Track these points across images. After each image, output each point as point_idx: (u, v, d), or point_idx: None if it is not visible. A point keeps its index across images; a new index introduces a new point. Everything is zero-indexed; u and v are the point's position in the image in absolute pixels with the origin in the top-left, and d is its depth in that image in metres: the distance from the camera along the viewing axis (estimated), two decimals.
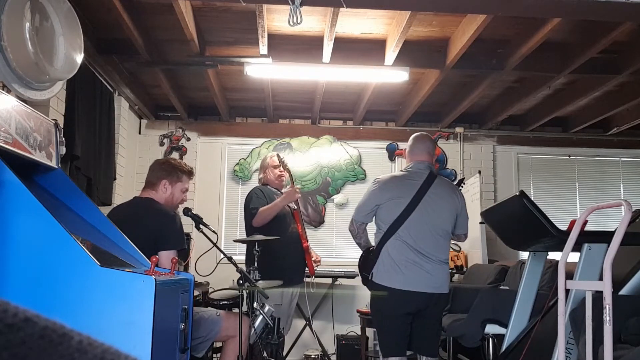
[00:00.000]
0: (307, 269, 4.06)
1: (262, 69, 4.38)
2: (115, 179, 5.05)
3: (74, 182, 4.16)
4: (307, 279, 4.27)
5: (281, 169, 4.05)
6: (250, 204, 3.89)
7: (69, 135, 3.97)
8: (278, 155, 4.12)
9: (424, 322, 3.06)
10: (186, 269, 4.59)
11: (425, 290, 2.98)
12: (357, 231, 3.19)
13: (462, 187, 4.19)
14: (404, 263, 2.98)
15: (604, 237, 2.59)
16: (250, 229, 3.86)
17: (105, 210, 3.21)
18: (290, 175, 4.07)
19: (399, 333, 3.03)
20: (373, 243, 3.20)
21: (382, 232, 3.06)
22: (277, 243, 3.48)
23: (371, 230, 3.23)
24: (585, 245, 2.69)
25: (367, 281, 3.13)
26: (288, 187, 4.01)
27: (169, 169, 3.08)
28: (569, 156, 6.42)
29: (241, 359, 2.85)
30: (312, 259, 4.04)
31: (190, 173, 3.16)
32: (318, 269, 4.19)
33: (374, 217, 3.14)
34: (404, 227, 3.00)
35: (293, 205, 4.04)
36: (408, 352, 3.11)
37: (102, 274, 1.95)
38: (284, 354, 4.58)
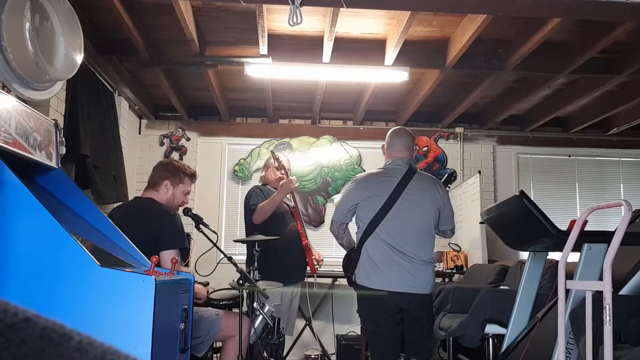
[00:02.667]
0: (308, 267, 4.06)
1: (262, 69, 4.38)
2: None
3: (97, 181, 4.24)
4: (309, 279, 4.26)
5: (282, 171, 4.05)
6: (249, 201, 3.89)
7: (74, 136, 3.98)
8: (272, 152, 4.11)
9: (412, 324, 2.97)
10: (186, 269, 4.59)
11: (405, 291, 2.89)
12: (337, 232, 3.12)
13: (453, 180, 4.13)
14: (384, 262, 2.90)
15: (604, 237, 2.59)
16: (250, 228, 3.86)
17: (106, 210, 3.21)
18: (285, 170, 4.06)
19: (388, 335, 2.93)
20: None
21: (361, 232, 2.99)
22: (276, 241, 3.48)
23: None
24: (585, 245, 2.69)
25: (351, 282, 3.07)
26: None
27: (172, 170, 3.08)
28: (569, 156, 6.42)
29: (241, 359, 2.85)
30: (314, 258, 4.04)
31: (193, 176, 3.17)
32: (318, 269, 4.18)
33: (353, 217, 3.08)
34: (382, 225, 2.91)
35: (292, 204, 4.04)
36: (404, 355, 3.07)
37: (102, 274, 1.95)
38: (284, 354, 4.58)
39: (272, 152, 4.13)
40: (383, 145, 3.21)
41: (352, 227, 3.17)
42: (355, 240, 3.16)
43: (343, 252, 3.25)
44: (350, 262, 3.07)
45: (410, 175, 3.00)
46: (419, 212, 2.97)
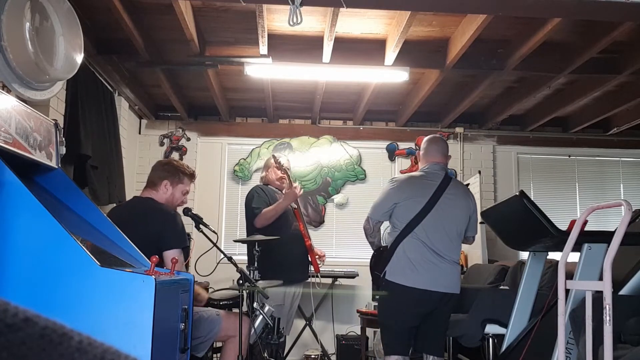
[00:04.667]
0: (311, 267, 4.07)
1: (262, 69, 4.38)
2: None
3: (94, 182, 4.23)
4: (312, 279, 4.27)
5: (286, 175, 4.05)
6: (252, 202, 3.89)
7: (74, 135, 3.98)
8: (274, 157, 4.11)
9: (433, 321, 3.09)
10: (186, 268, 4.59)
11: (439, 290, 3.01)
12: (372, 230, 3.21)
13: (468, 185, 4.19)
14: (420, 262, 3.01)
15: (604, 237, 2.59)
16: (251, 228, 3.86)
17: (105, 210, 3.21)
18: (289, 176, 4.07)
19: (406, 332, 3.06)
20: (383, 242, 3.23)
21: (397, 231, 3.08)
22: (279, 242, 3.48)
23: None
24: (585, 245, 2.70)
25: (378, 280, 3.14)
26: (286, 188, 4.01)
27: (171, 170, 3.09)
28: (569, 156, 6.42)
29: (241, 359, 2.85)
30: (317, 256, 4.05)
31: (192, 175, 3.17)
32: (320, 268, 4.18)
33: (390, 216, 3.17)
34: (421, 226, 3.03)
35: (293, 205, 4.04)
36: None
37: (102, 274, 1.95)
38: (284, 354, 4.58)
39: (274, 156, 4.13)
40: (418, 152, 3.45)
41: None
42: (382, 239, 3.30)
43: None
44: (380, 260, 3.15)
45: (447, 181, 3.16)
46: (454, 217, 3.12)
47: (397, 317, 3.07)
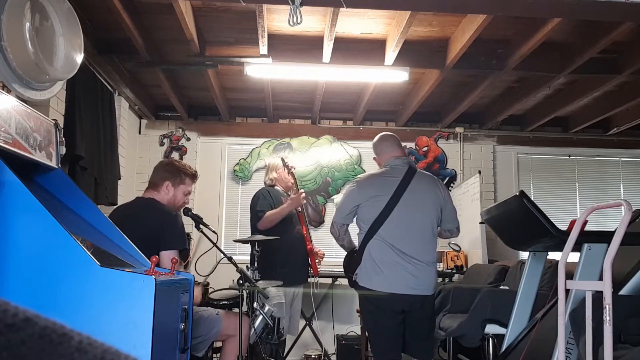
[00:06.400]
0: (310, 270, 4.09)
1: (262, 69, 4.39)
2: (119, 178, 5.05)
3: (81, 182, 4.21)
4: (311, 280, 4.28)
5: (292, 179, 4.06)
6: (257, 205, 3.90)
7: (70, 136, 3.97)
8: (282, 160, 4.11)
9: (413, 325, 2.97)
10: (186, 269, 4.60)
11: (406, 292, 2.88)
12: (338, 233, 3.10)
13: (453, 182, 4.14)
14: (386, 264, 2.88)
15: (604, 237, 2.58)
16: (255, 231, 3.87)
17: (107, 210, 3.21)
18: (295, 180, 4.08)
19: (389, 336, 2.94)
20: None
21: (363, 233, 2.97)
22: (281, 244, 3.49)
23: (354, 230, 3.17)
24: (585, 245, 2.69)
25: (352, 283, 3.05)
26: (292, 193, 4.01)
27: (173, 171, 3.08)
28: (569, 156, 6.42)
29: (241, 359, 2.85)
30: (316, 253, 4.06)
31: (194, 176, 3.16)
32: (318, 267, 4.19)
33: (354, 218, 3.05)
34: (385, 226, 2.90)
35: (298, 209, 4.05)
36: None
37: (102, 274, 1.95)
38: (284, 354, 4.58)
39: (283, 159, 4.12)
40: (375, 158, 3.22)
41: (352, 228, 3.17)
42: (354, 241, 3.16)
43: (344, 253, 3.25)
44: (351, 262, 3.06)
45: (411, 175, 2.99)
46: (421, 212, 2.96)
47: (375, 321, 2.98)
